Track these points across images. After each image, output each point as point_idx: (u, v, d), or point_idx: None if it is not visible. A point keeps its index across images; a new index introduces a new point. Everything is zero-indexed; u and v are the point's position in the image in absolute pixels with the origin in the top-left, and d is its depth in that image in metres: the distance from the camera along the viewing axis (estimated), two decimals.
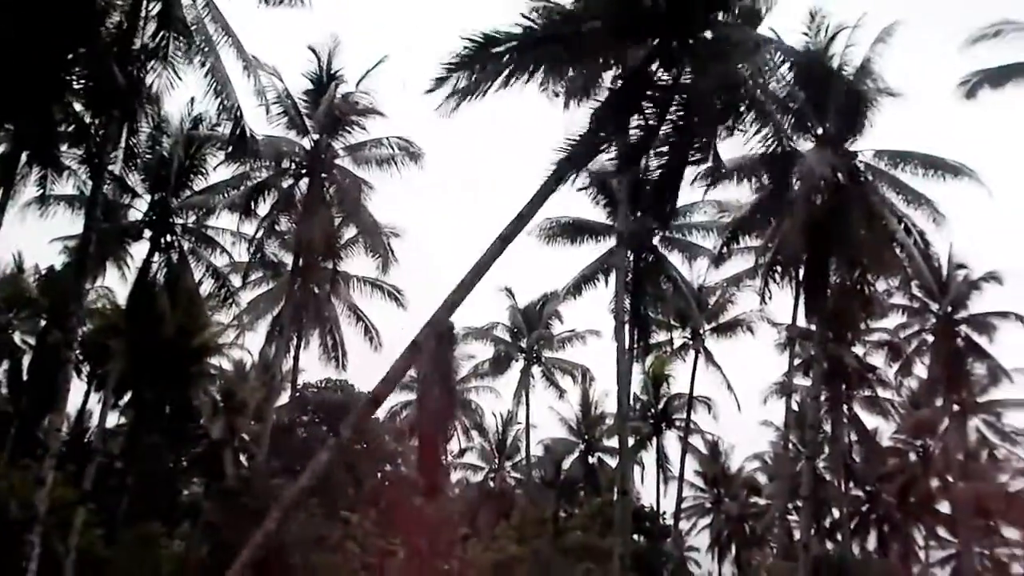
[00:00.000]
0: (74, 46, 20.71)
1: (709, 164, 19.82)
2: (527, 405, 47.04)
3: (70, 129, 22.71)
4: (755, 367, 45.69)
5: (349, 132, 31.98)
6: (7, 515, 20.82)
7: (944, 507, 45.94)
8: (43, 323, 32.86)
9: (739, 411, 44.15)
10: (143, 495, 31.77)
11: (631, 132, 18.06)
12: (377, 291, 36.31)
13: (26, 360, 33.63)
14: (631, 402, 36.63)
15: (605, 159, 20.43)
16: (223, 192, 30.98)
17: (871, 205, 26.93)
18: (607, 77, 18.44)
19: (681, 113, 18.08)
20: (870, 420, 45.87)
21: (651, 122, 17.94)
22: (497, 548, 29.98)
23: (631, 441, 40.14)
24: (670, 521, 45.69)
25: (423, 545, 27.11)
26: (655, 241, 35.56)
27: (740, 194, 29.51)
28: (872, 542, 49.75)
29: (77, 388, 31.79)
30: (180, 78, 21.14)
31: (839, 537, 45.49)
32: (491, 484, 50.38)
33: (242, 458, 37.88)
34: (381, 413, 43.73)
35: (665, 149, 18.35)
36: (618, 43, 17.99)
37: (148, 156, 28.69)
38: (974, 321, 38.83)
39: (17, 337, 34.17)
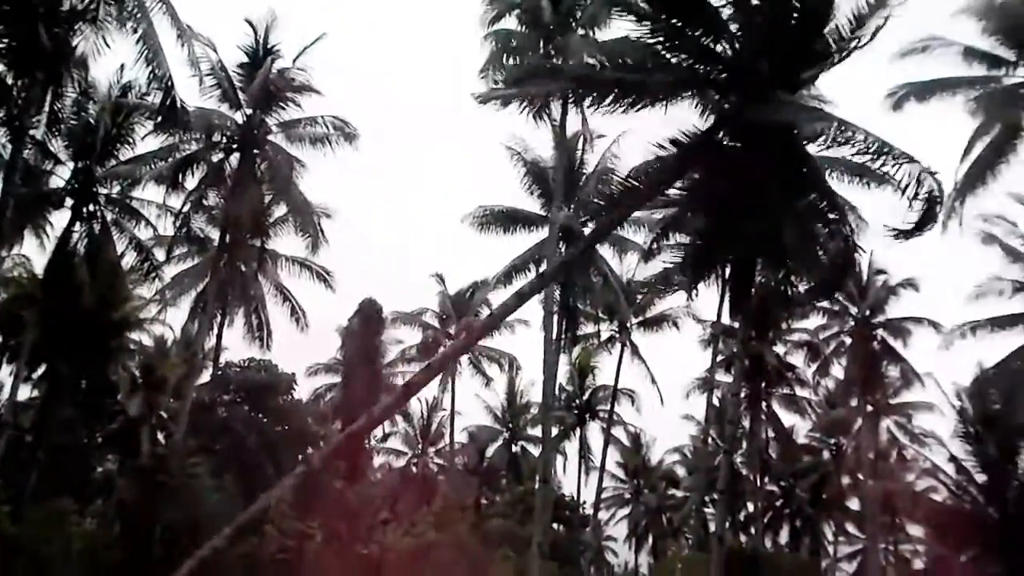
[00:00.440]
0: None
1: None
2: (453, 392, 47.15)
3: None
4: (679, 362, 46.55)
5: (283, 108, 31.52)
6: None
7: (854, 504, 47.56)
8: None
9: (662, 405, 44.85)
10: (54, 471, 30.93)
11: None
12: (306, 271, 35.87)
13: None
14: (556, 392, 36.99)
15: None
16: (150, 163, 30.24)
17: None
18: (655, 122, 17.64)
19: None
20: (787, 418, 47.04)
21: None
22: (417, 534, 29.95)
23: (554, 431, 40.54)
24: (590, 511, 46.31)
25: (342, 529, 26.95)
26: (587, 233, 35.84)
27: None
28: (784, 536, 51.23)
29: None
30: (108, 45, 20.63)
31: (753, 530, 46.68)
32: (414, 470, 50.30)
33: (159, 436, 37.14)
34: (304, 395, 43.48)
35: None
36: (682, 96, 17.26)
37: (73, 122, 27.73)
38: (890, 325, 40.09)
39: None
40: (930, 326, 38.69)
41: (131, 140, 29.58)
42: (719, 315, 32.20)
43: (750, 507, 46.95)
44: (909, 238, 15.93)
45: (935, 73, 26.41)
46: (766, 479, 48.10)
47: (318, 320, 38.00)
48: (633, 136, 33.11)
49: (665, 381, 44.20)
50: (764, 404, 43.66)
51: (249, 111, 31.11)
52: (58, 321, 29.43)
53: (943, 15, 26.17)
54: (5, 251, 26.26)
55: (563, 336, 34.62)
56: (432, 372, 20.27)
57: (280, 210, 33.32)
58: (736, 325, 31.71)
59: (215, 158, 31.18)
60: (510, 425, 51.25)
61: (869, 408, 41.17)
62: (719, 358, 38.03)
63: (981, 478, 27.40)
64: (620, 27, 17.99)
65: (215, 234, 32.39)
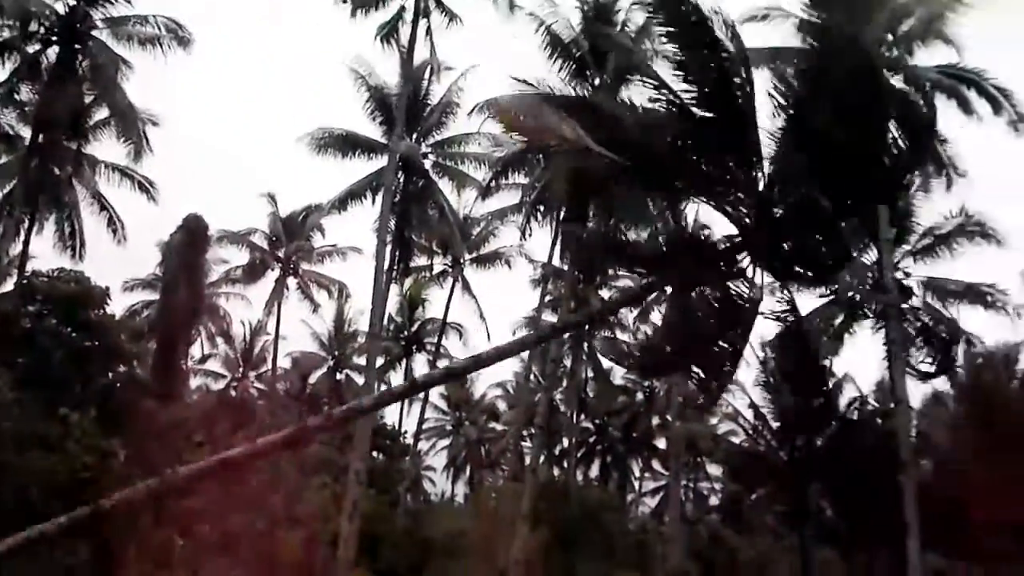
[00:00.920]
0: None
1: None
2: (278, 316, 46.25)
3: None
4: (509, 300, 47.29)
5: (111, 3, 29.36)
6: None
7: (661, 443, 50.45)
8: None
9: (489, 340, 45.58)
10: None
11: None
12: (127, 180, 33.82)
13: None
14: (385, 322, 36.92)
15: None
16: None
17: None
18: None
19: None
20: (606, 360, 48.92)
21: None
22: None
23: (380, 360, 40.58)
24: (411, 440, 46.82)
25: (150, 449, 26.06)
26: (427, 166, 35.67)
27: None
28: (595, 471, 53.71)
29: None
30: None
31: (566, 464, 48.62)
32: (233, 393, 49.17)
33: None
34: (119, 311, 41.43)
35: None
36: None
37: None
38: None
39: None
40: None
41: None
42: (551, 256, 33.09)
43: (565, 442, 48.74)
44: None
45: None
46: (582, 416, 49.99)
47: (138, 234, 36.11)
48: (481, 71, 33.14)
49: (494, 318, 44.99)
50: (586, 345, 45.17)
51: (72, 1, 28.86)
52: None
53: None
54: None
55: (396, 267, 34.50)
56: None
57: (102, 113, 31.22)
58: (565, 268, 32.55)
59: (31, 49, 28.89)
60: (336, 353, 50.86)
61: None
62: (548, 299, 38.96)
63: (775, 424, 29.69)
64: None
65: (26, 132, 30.10)
